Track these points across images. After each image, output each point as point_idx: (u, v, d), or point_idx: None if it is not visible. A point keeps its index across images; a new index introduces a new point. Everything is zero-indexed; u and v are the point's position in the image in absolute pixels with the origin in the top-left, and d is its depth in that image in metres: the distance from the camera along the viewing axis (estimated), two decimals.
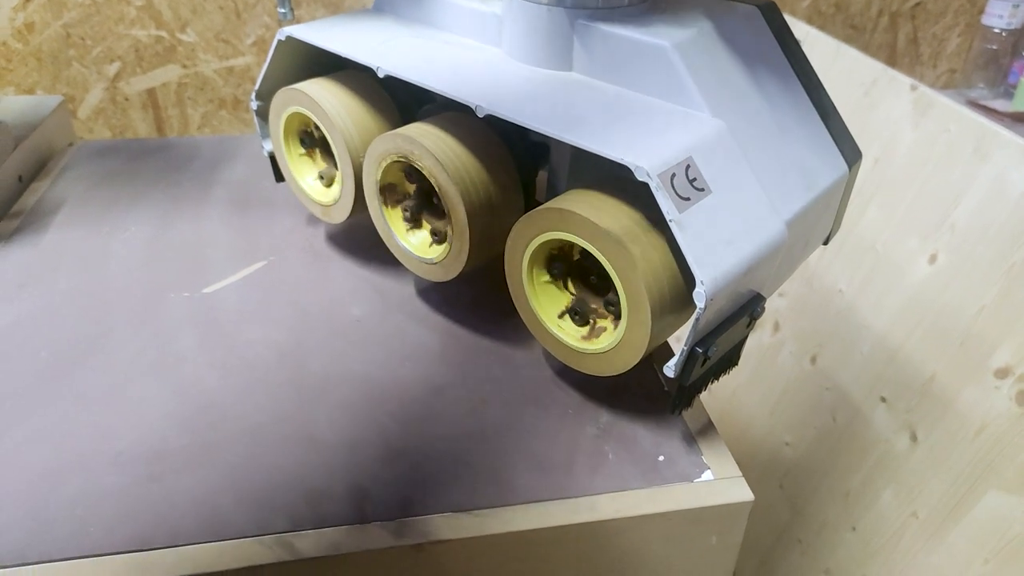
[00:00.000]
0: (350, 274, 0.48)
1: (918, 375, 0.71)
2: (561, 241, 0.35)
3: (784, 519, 0.85)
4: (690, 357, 0.32)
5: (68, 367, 0.40)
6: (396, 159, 0.40)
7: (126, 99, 1.00)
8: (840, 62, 0.87)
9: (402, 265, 0.43)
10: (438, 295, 0.46)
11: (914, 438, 0.71)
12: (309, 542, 0.31)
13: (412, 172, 0.40)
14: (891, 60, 1.29)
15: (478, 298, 0.46)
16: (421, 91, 0.39)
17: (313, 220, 0.53)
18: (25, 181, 0.58)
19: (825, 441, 0.81)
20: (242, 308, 0.44)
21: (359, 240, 0.51)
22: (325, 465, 0.34)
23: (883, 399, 0.75)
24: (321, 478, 0.34)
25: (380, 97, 0.45)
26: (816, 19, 1.21)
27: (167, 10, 0.95)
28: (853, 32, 1.24)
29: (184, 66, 0.99)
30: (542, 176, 0.43)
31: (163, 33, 0.97)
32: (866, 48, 1.26)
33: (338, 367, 0.40)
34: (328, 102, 0.43)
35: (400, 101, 0.45)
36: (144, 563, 0.30)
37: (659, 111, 0.35)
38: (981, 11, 1.28)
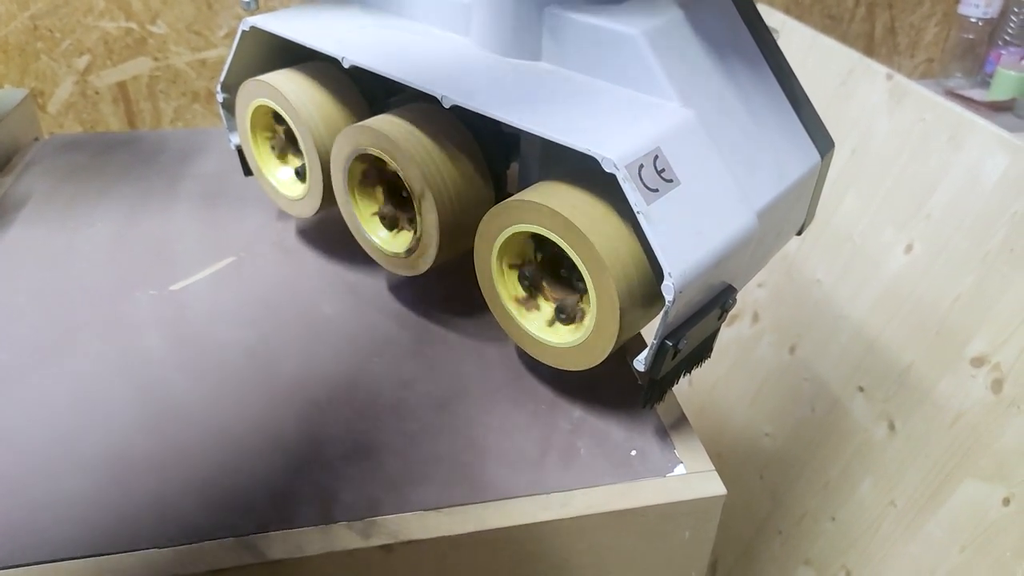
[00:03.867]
0: (321, 270, 0.47)
1: (895, 365, 0.72)
2: (530, 233, 0.34)
3: (765, 510, 0.85)
4: (660, 350, 0.32)
5: (29, 369, 0.39)
6: (364, 152, 0.39)
7: (96, 93, 0.98)
8: (816, 52, 0.87)
9: (374, 260, 0.43)
10: (410, 290, 0.45)
11: (892, 427, 0.71)
12: (274, 544, 0.30)
13: (381, 165, 0.40)
14: (869, 50, 1.30)
15: (451, 293, 0.45)
16: (389, 82, 0.38)
17: (284, 215, 0.52)
18: None
19: (804, 431, 0.81)
20: (210, 306, 0.44)
21: (331, 235, 0.50)
22: (291, 465, 0.34)
23: (861, 389, 0.75)
24: (287, 479, 0.33)
25: (347, 88, 0.44)
26: (794, 9, 1.21)
27: (136, 1, 0.94)
28: (831, 22, 1.24)
29: (155, 59, 0.98)
30: (514, 168, 0.43)
31: (133, 25, 0.95)
32: (844, 38, 1.26)
33: (306, 364, 0.39)
34: (294, 94, 0.42)
35: (368, 92, 0.44)
36: (107, 568, 0.29)
37: (628, 101, 0.35)
38: (958, 0, 1.28)
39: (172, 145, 0.62)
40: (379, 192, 0.41)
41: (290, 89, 0.42)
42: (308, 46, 0.41)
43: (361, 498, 0.32)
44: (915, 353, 0.70)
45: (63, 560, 0.29)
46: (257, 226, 0.51)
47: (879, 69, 0.78)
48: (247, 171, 0.50)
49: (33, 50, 0.94)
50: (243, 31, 0.44)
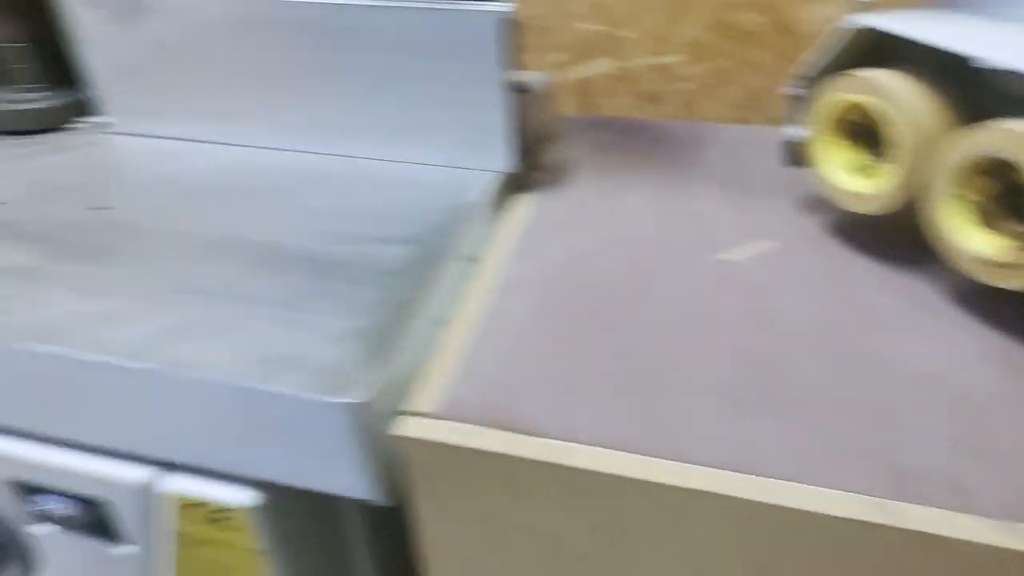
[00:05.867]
0: (867, 271, 0.47)
1: None
2: None
3: None
4: None
5: (620, 309, 0.44)
6: (992, 156, 0.38)
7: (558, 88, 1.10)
8: None
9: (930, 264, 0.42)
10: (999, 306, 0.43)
11: None
12: (914, 514, 0.31)
13: (998, 173, 0.39)
14: None
15: None
16: (970, 91, 0.37)
17: (817, 210, 0.53)
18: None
19: None
20: (768, 280, 0.46)
21: (874, 239, 0.50)
22: (917, 445, 0.34)
23: None
24: (913, 458, 0.33)
25: (933, 95, 0.43)
26: None
27: (616, 8, 1.03)
28: None
29: (617, 59, 1.06)
30: None
31: (609, 28, 1.04)
32: None
33: (886, 351, 0.39)
34: (900, 93, 0.43)
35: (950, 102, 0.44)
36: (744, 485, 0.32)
37: None
38: None
39: (678, 133, 0.67)
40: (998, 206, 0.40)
41: (896, 88, 0.43)
42: (936, 46, 0.42)
43: (996, 497, 0.31)
44: None
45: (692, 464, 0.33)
46: (790, 218, 0.53)
47: None
48: (794, 162, 0.52)
49: (522, 44, 1.08)
50: (851, 29, 0.46)
